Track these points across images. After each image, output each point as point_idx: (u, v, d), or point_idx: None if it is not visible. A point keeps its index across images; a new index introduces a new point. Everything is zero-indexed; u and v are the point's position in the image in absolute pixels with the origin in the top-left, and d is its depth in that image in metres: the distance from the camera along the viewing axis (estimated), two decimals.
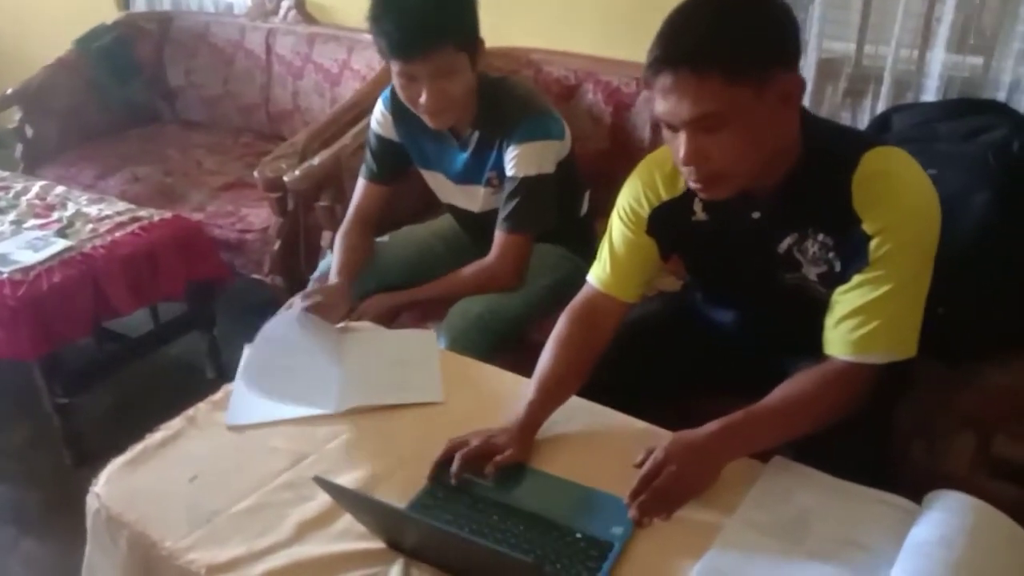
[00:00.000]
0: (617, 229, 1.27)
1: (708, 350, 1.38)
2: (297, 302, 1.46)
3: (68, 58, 2.95)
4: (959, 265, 1.14)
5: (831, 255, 1.12)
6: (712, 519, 1.01)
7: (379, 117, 1.67)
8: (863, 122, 1.79)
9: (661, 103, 1.02)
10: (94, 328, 1.94)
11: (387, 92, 1.65)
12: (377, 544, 0.99)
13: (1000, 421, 1.35)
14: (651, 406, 1.23)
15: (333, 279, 1.58)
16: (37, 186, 2.29)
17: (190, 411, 1.27)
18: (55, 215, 2.10)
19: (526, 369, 1.30)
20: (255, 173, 2.13)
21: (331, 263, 1.69)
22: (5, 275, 1.82)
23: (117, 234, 1.99)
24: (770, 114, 1.01)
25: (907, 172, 1.07)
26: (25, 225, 2.06)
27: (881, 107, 1.76)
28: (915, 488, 1.04)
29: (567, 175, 1.61)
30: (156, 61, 3.06)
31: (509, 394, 1.24)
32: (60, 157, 2.79)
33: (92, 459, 1.99)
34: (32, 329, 1.76)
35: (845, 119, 1.83)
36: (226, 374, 2.26)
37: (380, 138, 1.68)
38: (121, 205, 2.16)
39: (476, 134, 1.57)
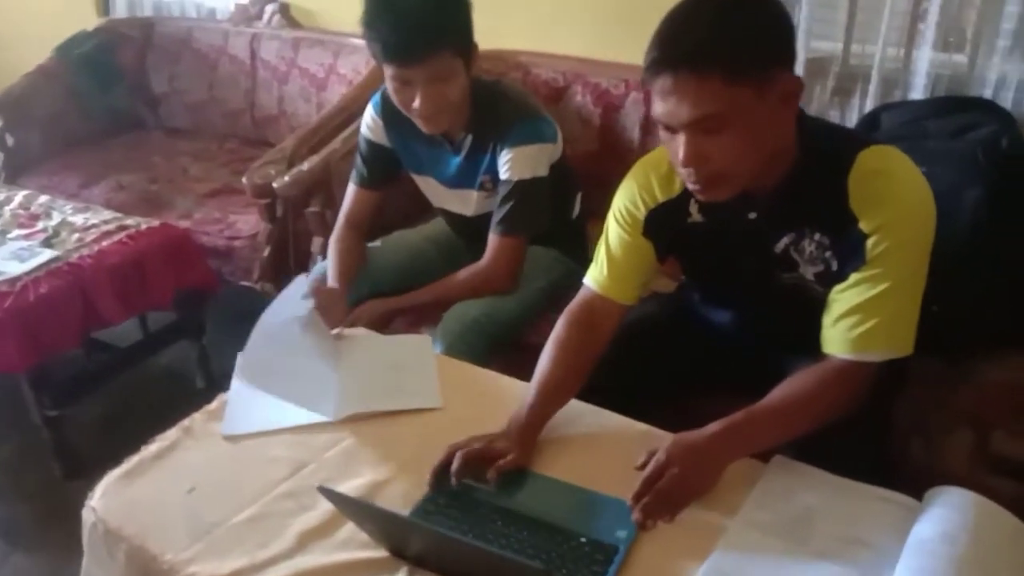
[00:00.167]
0: (613, 231, 1.27)
1: (705, 350, 1.39)
2: (302, 280, 1.42)
3: (49, 65, 2.91)
4: (952, 262, 1.15)
5: (828, 254, 1.12)
6: (715, 520, 1.01)
7: (369, 122, 1.66)
8: (852, 120, 1.81)
9: (660, 105, 1.02)
10: (83, 339, 1.92)
11: (377, 97, 1.64)
12: (380, 552, 0.99)
13: (997, 417, 1.36)
14: (649, 407, 1.24)
15: (330, 284, 1.56)
16: (20, 196, 2.26)
17: (185, 421, 1.26)
18: (40, 225, 2.07)
19: (522, 372, 1.30)
20: (243, 179, 2.11)
21: (325, 269, 1.68)
22: None
23: (104, 243, 1.97)
24: (770, 115, 1.01)
25: (903, 170, 1.08)
26: (9, 235, 2.03)
27: (869, 105, 1.77)
28: (914, 485, 1.05)
29: (559, 178, 1.61)
30: (139, 67, 3.03)
31: (507, 398, 1.24)
32: (42, 166, 2.75)
33: (82, 471, 1.97)
34: (20, 341, 1.74)
35: (834, 118, 1.84)
36: (216, 383, 2.26)
37: (371, 143, 1.67)
38: (107, 214, 2.14)
39: (469, 138, 1.56)
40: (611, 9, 2.14)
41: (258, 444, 1.21)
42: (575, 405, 1.22)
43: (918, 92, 1.74)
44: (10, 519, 1.93)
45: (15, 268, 1.85)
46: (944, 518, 0.95)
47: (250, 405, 1.28)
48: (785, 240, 1.15)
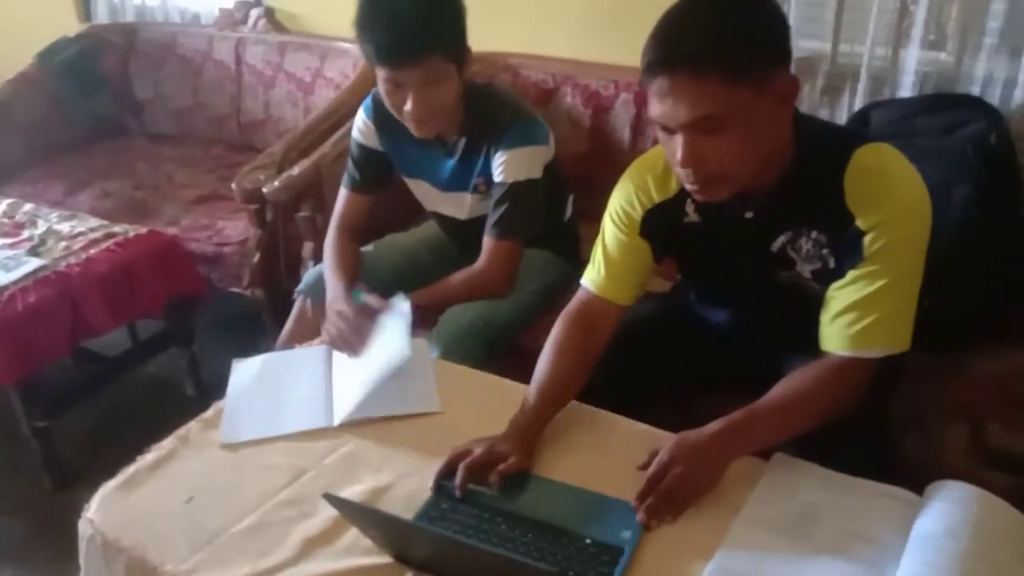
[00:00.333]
0: (610, 232, 1.27)
1: (702, 349, 1.39)
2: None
3: (30, 72, 2.88)
4: (944, 258, 1.16)
5: (825, 252, 1.12)
6: (719, 519, 1.01)
7: (361, 126, 1.65)
8: (841, 119, 1.82)
9: (657, 106, 1.01)
10: (71, 348, 1.89)
11: (368, 101, 1.64)
12: (384, 559, 0.98)
13: (991, 411, 1.37)
14: (647, 407, 1.24)
15: (337, 297, 1.53)
16: (4, 204, 2.22)
17: (181, 430, 1.24)
18: (25, 233, 2.05)
19: (518, 374, 1.30)
20: (232, 185, 2.09)
21: (316, 275, 1.66)
22: None
23: (92, 251, 1.95)
24: (767, 114, 1.02)
25: (898, 167, 1.08)
26: None
27: (859, 104, 1.78)
28: (911, 480, 1.05)
29: (552, 180, 1.61)
30: (122, 73, 3.00)
31: (506, 401, 1.23)
32: (25, 174, 2.71)
33: (73, 483, 1.95)
34: (8, 352, 1.71)
35: (823, 116, 1.85)
36: (206, 391, 2.24)
37: (362, 147, 1.66)
38: (94, 221, 2.11)
39: (463, 141, 1.56)
40: (600, 10, 2.15)
41: (256, 451, 1.20)
42: (574, 406, 1.22)
43: (907, 90, 1.75)
44: (0, 533, 1.89)
45: (1, 278, 1.83)
46: (946, 512, 0.95)
47: (247, 412, 1.27)
48: (782, 239, 1.16)
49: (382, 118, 1.60)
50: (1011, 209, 1.57)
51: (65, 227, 2.08)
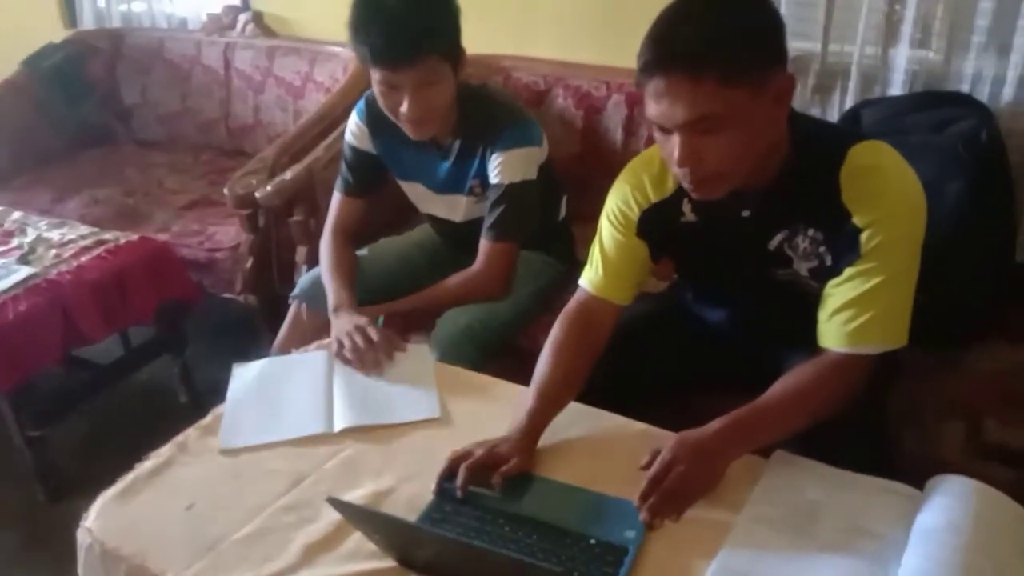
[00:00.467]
0: (607, 232, 1.27)
1: (700, 348, 1.39)
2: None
3: (16, 79, 2.87)
4: (937, 254, 1.17)
5: (822, 249, 1.13)
6: (721, 517, 1.02)
7: (354, 129, 1.65)
8: (832, 117, 1.83)
9: (654, 106, 1.02)
10: (64, 357, 1.87)
11: (361, 104, 1.63)
12: (388, 563, 0.98)
13: (987, 406, 1.38)
14: (645, 407, 1.24)
15: (343, 305, 1.51)
16: None
17: (179, 437, 1.24)
18: (15, 242, 2.03)
19: (515, 376, 1.30)
20: (224, 190, 2.08)
21: (312, 280, 1.66)
22: None
23: (83, 258, 1.93)
24: (764, 114, 1.02)
25: (894, 165, 1.09)
26: None
27: (849, 102, 1.80)
28: (910, 476, 1.06)
29: (546, 181, 1.61)
30: (109, 79, 2.98)
31: (505, 403, 1.24)
32: (12, 182, 2.69)
33: (67, 493, 1.94)
34: (0, 361, 1.69)
35: (815, 115, 1.86)
36: (199, 398, 2.23)
37: (356, 150, 1.65)
38: (84, 228, 2.10)
39: (457, 143, 1.55)
40: (591, 12, 2.15)
41: (256, 457, 1.19)
42: (574, 407, 1.22)
43: (897, 88, 1.77)
44: None
45: None
46: (947, 506, 0.96)
47: (247, 418, 1.26)
48: (779, 237, 1.16)
49: (375, 121, 1.60)
50: (1002, 205, 1.59)
51: (55, 235, 2.06)
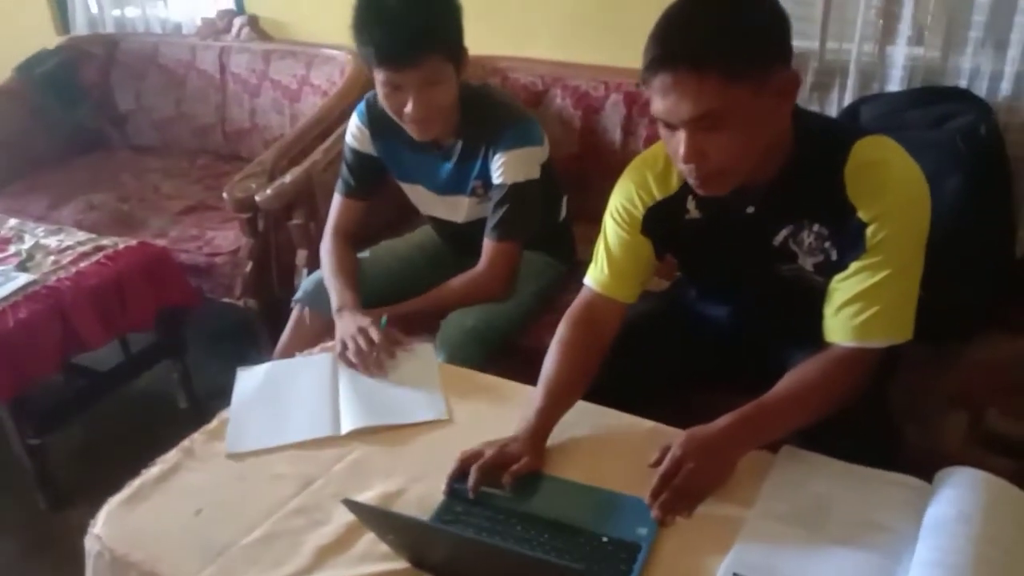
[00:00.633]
0: (611, 231, 1.27)
1: (703, 346, 1.40)
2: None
3: (10, 85, 2.86)
4: (936, 248, 1.17)
5: (827, 244, 1.13)
6: (732, 513, 1.02)
7: (355, 131, 1.64)
8: (831, 114, 1.82)
9: (659, 102, 1.02)
10: (63, 364, 1.86)
11: (362, 106, 1.63)
12: (400, 564, 0.97)
13: (989, 397, 1.39)
14: (649, 406, 1.24)
15: (348, 307, 1.50)
16: None
17: (185, 442, 1.23)
18: (12, 249, 2.01)
19: (520, 376, 1.30)
20: (223, 194, 2.07)
21: (314, 283, 1.65)
22: None
23: (82, 264, 1.92)
24: (768, 110, 1.02)
25: (898, 159, 1.10)
26: None
27: (848, 99, 1.80)
28: (914, 469, 1.06)
29: (547, 181, 1.61)
30: (103, 85, 2.97)
31: (511, 402, 1.24)
32: (7, 189, 2.68)
33: (68, 502, 1.93)
34: (1, 369, 1.68)
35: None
36: (199, 403, 2.22)
37: (356, 153, 1.65)
38: (82, 235, 2.08)
39: (460, 143, 1.55)
40: (588, 12, 2.15)
41: (263, 461, 1.19)
42: (581, 406, 1.21)
43: (895, 84, 1.77)
44: None
45: None
46: (957, 498, 0.97)
47: (253, 422, 1.26)
48: (784, 232, 1.17)
49: (376, 122, 1.60)
50: (1002, 200, 1.60)
51: (52, 241, 2.05)
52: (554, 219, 1.77)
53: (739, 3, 1.00)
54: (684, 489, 1.02)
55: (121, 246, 2.01)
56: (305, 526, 1.05)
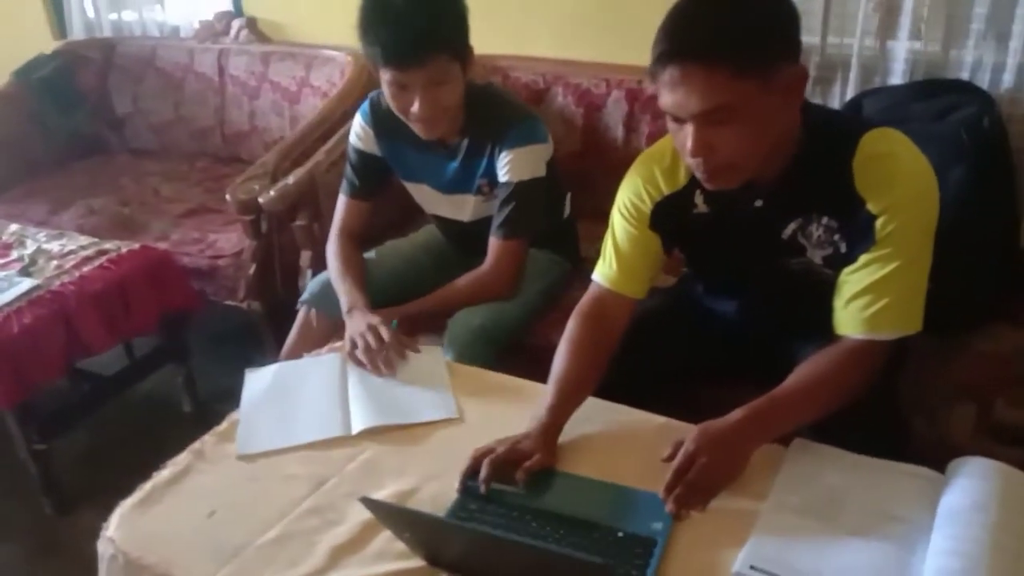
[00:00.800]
0: (619, 226, 1.27)
1: (711, 341, 1.40)
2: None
3: (7, 90, 2.85)
4: (942, 239, 1.18)
5: (836, 237, 1.14)
6: (747, 506, 1.02)
7: (359, 132, 1.64)
8: (834, 107, 1.83)
9: (668, 96, 1.02)
10: (68, 369, 1.86)
11: (365, 106, 1.63)
12: (416, 562, 0.97)
13: (996, 389, 1.39)
14: (659, 400, 1.24)
15: (352, 304, 1.50)
16: None
17: (196, 444, 1.23)
18: (15, 254, 2.01)
19: (527, 374, 1.30)
20: (226, 196, 2.07)
21: (321, 284, 1.65)
22: None
23: (85, 269, 1.91)
24: (777, 105, 1.03)
25: (906, 151, 1.10)
26: None
27: (850, 93, 1.81)
28: (923, 460, 1.07)
29: (551, 178, 1.61)
30: (101, 89, 2.97)
31: (521, 400, 1.24)
32: (6, 194, 2.67)
33: (74, 507, 1.92)
34: (5, 375, 1.67)
35: None
36: (204, 407, 2.21)
37: (361, 153, 1.65)
38: (84, 239, 2.08)
39: (465, 142, 1.55)
40: (588, 10, 2.15)
41: (275, 462, 1.18)
42: (591, 402, 1.22)
43: (897, 77, 1.78)
44: (0, 559, 1.85)
45: None
46: (971, 487, 0.97)
47: (263, 423, 1.26)
48: (792, 226, 1.17)
49: (380, 122, 1.60)
50: (1006, 190, 1.60)
51: (55, 246, 2.04)
52: (558, 217, 1.77)
53: None
54: (698, 483, 1.03)
55: (124, 250, 2.00)
56: (319, 526, 1.05)
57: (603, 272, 1.29)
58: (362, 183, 1.66)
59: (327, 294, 1.60)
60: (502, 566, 0.89)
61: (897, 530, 0.96)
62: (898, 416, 1.28)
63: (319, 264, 1.84)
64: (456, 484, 1.08)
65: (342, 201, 1.69)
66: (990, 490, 0.96)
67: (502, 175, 1.52)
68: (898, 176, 1.07)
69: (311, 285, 1.69)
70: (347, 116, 2.14)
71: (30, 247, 2.04)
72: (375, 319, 1.41)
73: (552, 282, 1.70)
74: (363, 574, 0.97)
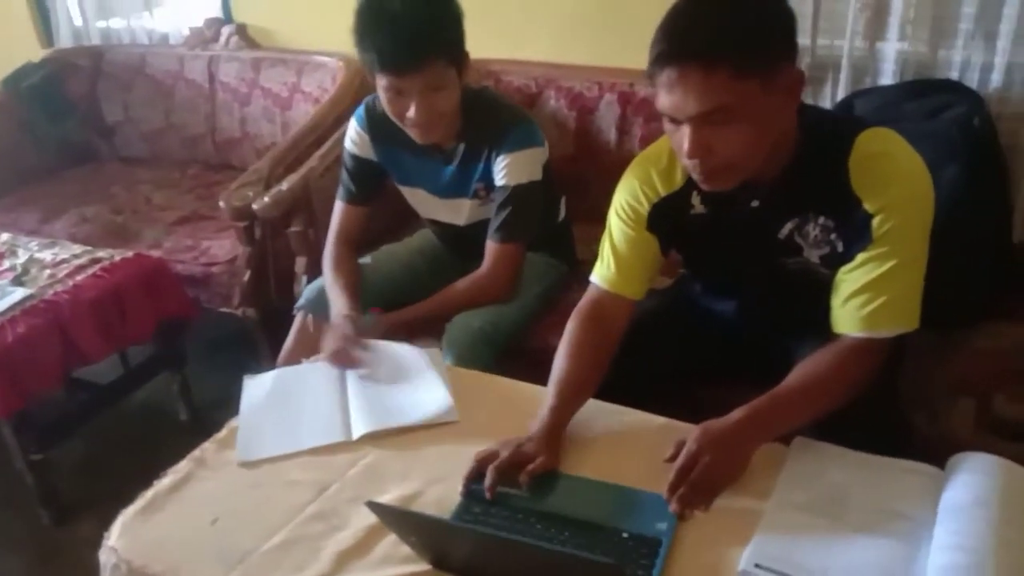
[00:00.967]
0: (617, 228, 1.28)
1: (709, 341, 1.40)
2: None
3: None
4: (937, 238, 1.19)
5: (833, 236, 1.14)
6: (750, 505, 1.02)
7: (354, 137, 1.64)
8: (826, 108, 1.85)
9: (665, 97, 1.03)
10: (64, 378, 1.85)
11: (361, 111, 1.63)
12: (422, 566, 0.97)
13: (995, 384, 1.41)
14: (659, 401, 1.24)
15: (341, 314, 1.51)
16: None
17: (196, 452, 1.22)
18: (7, 263, 1.99)
19: (526, 376, 1.30)
20: (220, 203, 2.06)
21: (316, 290, 1.65)
22: None
23: (78, 277, 1.90)
24: (776, 107, 1.03)
25: (902, 151, 1.11)
26: None
27: (841, 93, 1.82)
28: (924, 456, 1.07)
29: (547, 182, 1.62)
30: (90, 97, 2.95)
31: (522, 402, 1.24)
32: None
33: (71, 516, 1.91)
34: (1, 385, 1.66)
35: None
36: (200, 415, 2.21)
37: (356, 158, 1.65)
38: (77, 248, 2.07)
39: (462, 146, 1.56)
40: (580, 13, 2.16)
41: (276, 469, 1.18)
42: (592, 404, 1.22)
43: (887, 78, 1.79)
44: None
45: None
46: (972, 483, 0.98)
47: (263, 429, 1.25)
48: (789, 226, 1.18)
49: (375, 127, 1.60)
50: (997, 188, 1.62)
51: (47, 255, 2.03)
52: (553, 220, 1.77)
53: (746, 0, 1.01)
54: (701, 483, 1.03)
55: (117, 258, 2.00)
56: (324, 531, 1.05)
57: (601, 274, 1.29)
58: (358, 188, 1.66)
59: (323, 300, 1.60)
60: (510, 569, 0.89)
61: (901, 526, 0.97)
62: (899, 413, 1.29)
63: (314, 270, 1.84)
64: (459, 487, 1.08)
65: (338, 207, 1.68)
66: (992, 485, 0.96)
67: (499, 179, 1.52)
68: (894, 175, 1.08)
69: (307, 291, 1.69)
70: (340, 121, 2.14)
71: (22, 256, 2.03)
72: (339, 320, 1.41)
73: (550, 285, 1.70)
74: None
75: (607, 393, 1.23)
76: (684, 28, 1.00)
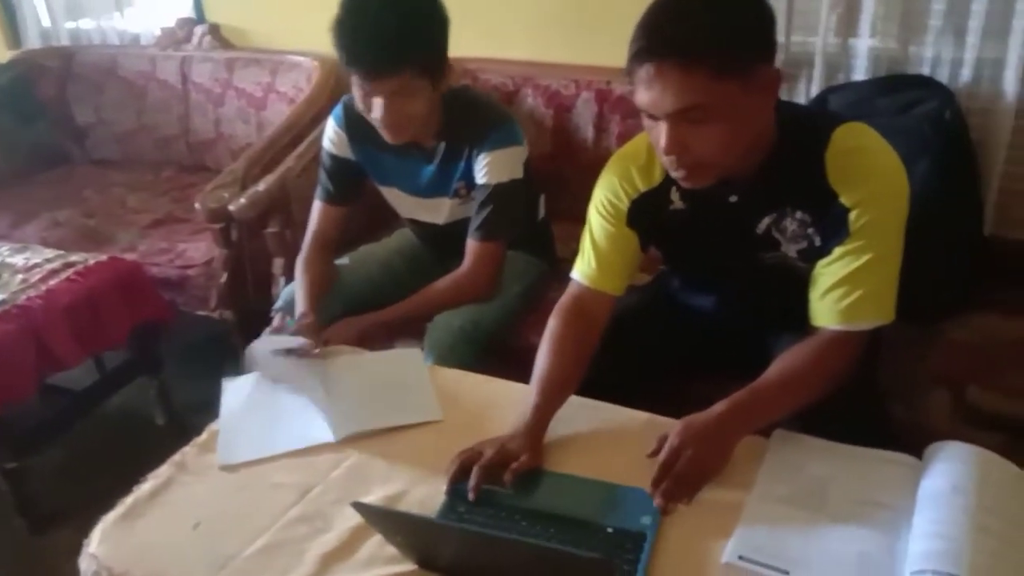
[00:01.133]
0: (597, 224, 1.28)
1: (689, 336, 1.41)
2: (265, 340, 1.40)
3: None
4: (912, 231, 1.20)
5: (810, 231, 1.16)
6: (732, 497, 1.03)
7: (332, 136, 1.63)
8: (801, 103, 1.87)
9: (644, 93, 1.03)
10: (39, 385, 1.81)
11: (339, 109, 1.62)
12: (407, 566, 0.97)
13: (969, 375, 1.43)
14: (640, 396, 1.25)
15: (300, 310, 1.51)
16: None
17: (176, 456, 1.21)
18: None
19: (507, 375, 1.31)
20: (196, 205, 2.04)
21: (295, 294, 1.64)
22: None
23: (52, 282, 1.87)
24: (754, 106, 1.04)
25: (877, 145, 1.12)
26: None
27: (815, 90, 1.84)
28: (902, 446, 1.09)
29: (527, 180, 1.62)
30: (60, 99, 2.91)
31: (504, 401, 1.24)
32: None
33: (49, 525, 1.88)
34: None
35: None
36: (177, 419, 2.18)
37: (334, 157, 1.64)
38: (49, 252, 2.03)
39: (442, 145, 1.55)
40: (557, 11, 2.16)
41: (259, 471, 1.17)
42: (575, 400, 1.22)
43: (860, 74, 1.81)
44: None
45: None
46: (948, 471, 0.99)
47: (244, 432, 1.24)
48: (767, 220, 1.19)
49: (353, 126, 1.59)
50: (969, 181, 1.65)
51: (19, 259, 2.00)
52: (534, 218, 1.77)
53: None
54: (684, 476, 1.04)
55: (91, 262, 1.96)
56: (308, 534, 1.04)
57: (582, 270, 1.29)
58: (337, 188, 1.65)
59: None
60: (497, 567, 0.89)
61: (881, 516, 0.98)
62: (877, 405, 1.30)
63: (292, 271, 1.82)
64: (443, 487, 1.08)
65: (317, 207, 1.67)
66: (968, 473, 0.98)
67: (480, 177, 1.52)
68: (870, 169, 1.09)
69: (285, 292, 1.67)
70: (316, 121, 2.13)
71: None
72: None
73: (530, 283, 1.70)
74: None
75: (589, 389, 1.24)
76: (664, 25, 1.00)
